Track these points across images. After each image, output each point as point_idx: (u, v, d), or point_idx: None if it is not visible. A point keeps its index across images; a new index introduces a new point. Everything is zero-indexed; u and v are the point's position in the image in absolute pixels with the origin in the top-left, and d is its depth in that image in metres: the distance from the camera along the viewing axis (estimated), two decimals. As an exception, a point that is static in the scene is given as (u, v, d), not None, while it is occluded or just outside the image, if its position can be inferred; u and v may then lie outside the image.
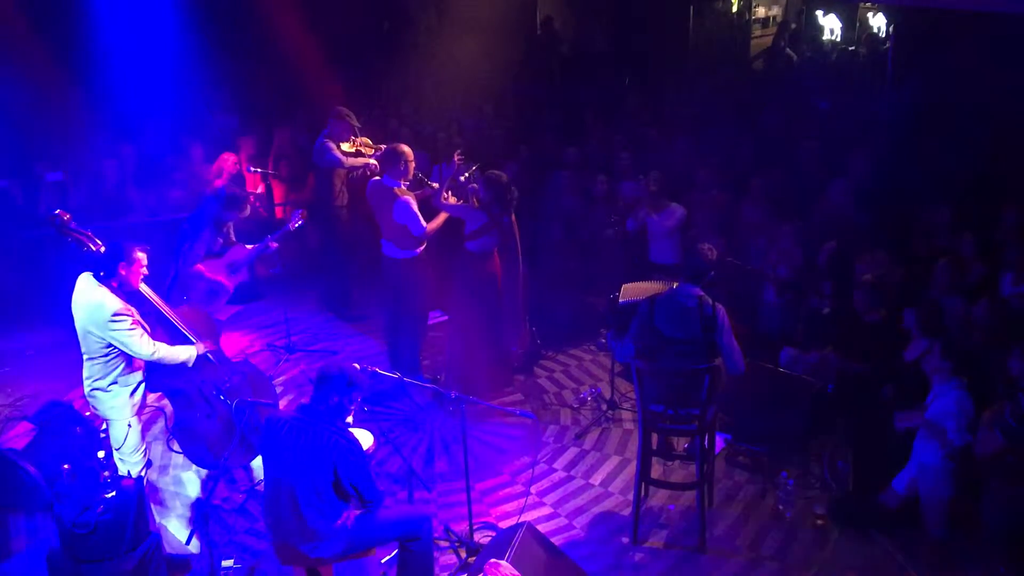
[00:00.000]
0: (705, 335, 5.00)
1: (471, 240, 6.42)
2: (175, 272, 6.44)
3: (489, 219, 6.34)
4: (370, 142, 7.80)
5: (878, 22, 12.56)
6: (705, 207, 7.80)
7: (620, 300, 6.23)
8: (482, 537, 5.26)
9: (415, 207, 6.50)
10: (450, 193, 6.54)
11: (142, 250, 5.06)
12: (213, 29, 10.28)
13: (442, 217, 6.54)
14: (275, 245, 6.66)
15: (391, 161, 6.56)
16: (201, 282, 6.26)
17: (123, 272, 4.94)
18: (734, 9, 12.84)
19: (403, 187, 6.58)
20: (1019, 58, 7.76)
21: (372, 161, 7.55)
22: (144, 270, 5.05)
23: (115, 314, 4.86)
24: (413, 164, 6.62)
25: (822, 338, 6.30)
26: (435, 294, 7.07)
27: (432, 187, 6.60)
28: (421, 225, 6.48)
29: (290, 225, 6.74)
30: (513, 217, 6.51)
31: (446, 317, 7.65)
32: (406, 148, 6.60)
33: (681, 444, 5.87)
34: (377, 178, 6.68)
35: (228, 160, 8.78)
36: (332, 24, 10.89)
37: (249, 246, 6.64)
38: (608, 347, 6.49)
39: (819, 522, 5.41)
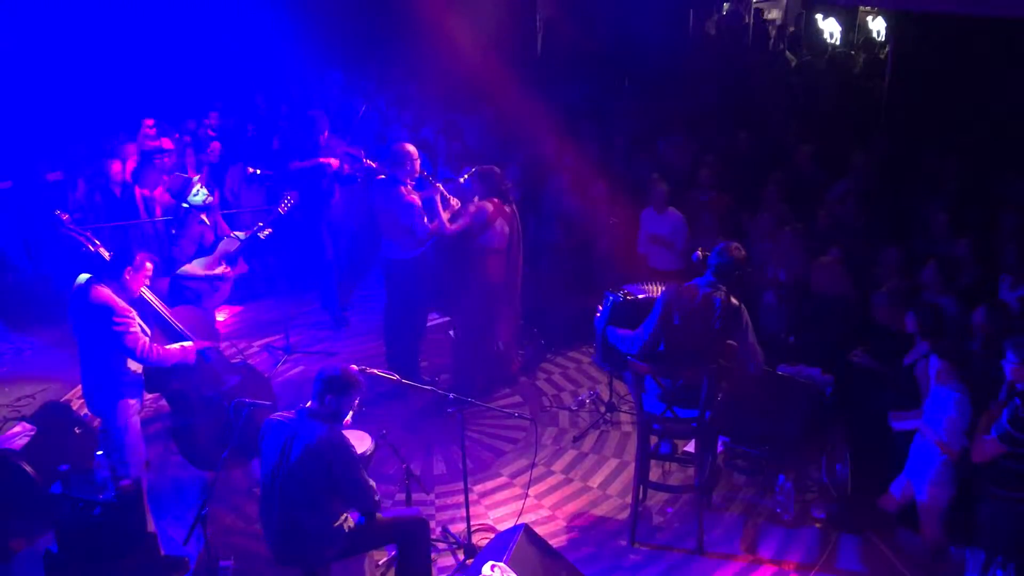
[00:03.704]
0: (724, 332, 4.97)
1: (483, 235, 6.47)
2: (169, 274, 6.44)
3: (495, 207, 6.41)
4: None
5: (877, 26, 12.60)
6: (706, 208, 7.80)
7: (629, 297, 5.99)
8: (480, 539, 5.27)
9: (421, 208, 6.50)
10: (453, 200, 6.58)
11: (151, 260, 5.08)
12: (208, 28, 10.33)
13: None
14: (268, 231, 6.57)
15: (397, 161, 6.56)
16: (186, 287, 6.26)
17: (127, 277, 4.95)
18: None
19: (409, 187, 6.58)
20: (1017, 61, 7.78)
21: (329, 160, 7.54)
22: (147, 280, 5.06)
23: (115, 315, 4.86)
24: (419, 163, 6.62)
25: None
26: (434, 295, 7.07)
27: (437, 187, 6.60)
28: (426, 226, 6.49)
29: (280, 208, 6.70)
30: (513, 207, 6.60)
31: (444, 318, 7.66)
32: (411, 148, 6.58)
33: (680, 447, 5.88)
34: (382, 176, 6.67)
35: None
36: (330, 25, 10.91)
37: (240, 234, 6.57)
38: (597, 362, 6.48)
39: (817, 525, 5.41)
